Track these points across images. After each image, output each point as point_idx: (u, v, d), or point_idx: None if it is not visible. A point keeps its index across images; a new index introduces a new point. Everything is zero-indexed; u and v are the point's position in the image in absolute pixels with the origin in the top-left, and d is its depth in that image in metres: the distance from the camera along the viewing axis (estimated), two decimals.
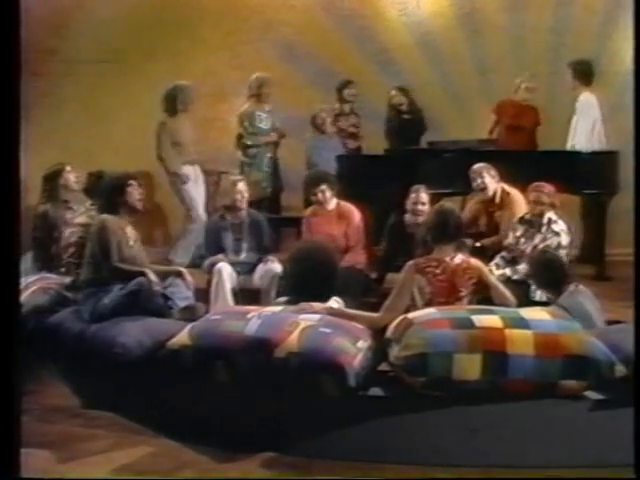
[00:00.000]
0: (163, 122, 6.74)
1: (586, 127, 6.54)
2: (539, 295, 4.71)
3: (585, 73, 6.56)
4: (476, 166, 5.52)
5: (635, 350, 3.36)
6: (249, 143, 6.93)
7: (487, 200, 5.53)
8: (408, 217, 5.39)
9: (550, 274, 4.24)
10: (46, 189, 5.46)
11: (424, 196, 5.32)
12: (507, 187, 5.49)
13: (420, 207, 5.29)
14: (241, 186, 5.38)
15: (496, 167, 5.55)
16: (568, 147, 6.66)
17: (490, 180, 5.47)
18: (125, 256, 4.42)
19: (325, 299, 3.99)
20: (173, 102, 6.72)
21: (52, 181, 5.46)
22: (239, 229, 5.36)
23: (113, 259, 4.35)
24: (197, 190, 6.90)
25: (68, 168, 5.50)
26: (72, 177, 5.51)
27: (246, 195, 5.40)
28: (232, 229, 5.35)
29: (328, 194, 5.41)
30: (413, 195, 5.34)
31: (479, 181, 5.49)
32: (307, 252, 4.23)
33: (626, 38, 6.15)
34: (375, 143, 7.33)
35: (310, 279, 4.03)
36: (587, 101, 6.53)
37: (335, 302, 4.04)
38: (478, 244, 5.27)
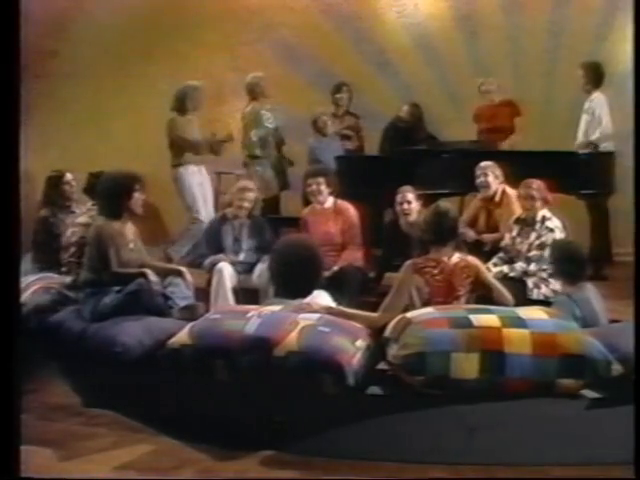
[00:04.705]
0: (172, 119, 6.69)
1: (597, 126, 6.57)
2: (536, 294, 4.75)
3: (597, 75, 6.59)
4: (483, 164, 5.55)
5: (635, 349, 3.37)
6: (256, 142, 6.88)
7: (488, 198, 5.56)
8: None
9: (571, 265, 4.22)
10: (47, 194, 5.57)
11: (409, 195, 5.40)
12: (508, 188, 5.51)
13: (406, 206, 5.39)
14: (251, 194, 5.39)
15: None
16: (577, 146, 6.65)
17: (493, 179, 5.50)
18: (124, 260, 4.43)
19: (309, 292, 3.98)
20: (183, 101, 6.68)
21: (53, 186, 5.57)
22: (240, 229, 5.38)
23: (112, 266, 4.36)
24: (202, 192, 6.79)
25: (69, 175, 5.59)
26: (71, 183, 5.58)
27: (253, 201, 5.42)
28: (233, 229, 5.37)
29: (323, 187, 5.43)
30: (399, 195, 5.43)
31: (482, 179, 5.51)
32: (286, 250, 4.21)
33: (623, 39, 6.18)
34: (374, 144, 7.35)
35: (292, 275, 4.02)
36: (599, 101, 6.57)
37: (322, 296, 4.03)
38: (479, 237, 5.38)
